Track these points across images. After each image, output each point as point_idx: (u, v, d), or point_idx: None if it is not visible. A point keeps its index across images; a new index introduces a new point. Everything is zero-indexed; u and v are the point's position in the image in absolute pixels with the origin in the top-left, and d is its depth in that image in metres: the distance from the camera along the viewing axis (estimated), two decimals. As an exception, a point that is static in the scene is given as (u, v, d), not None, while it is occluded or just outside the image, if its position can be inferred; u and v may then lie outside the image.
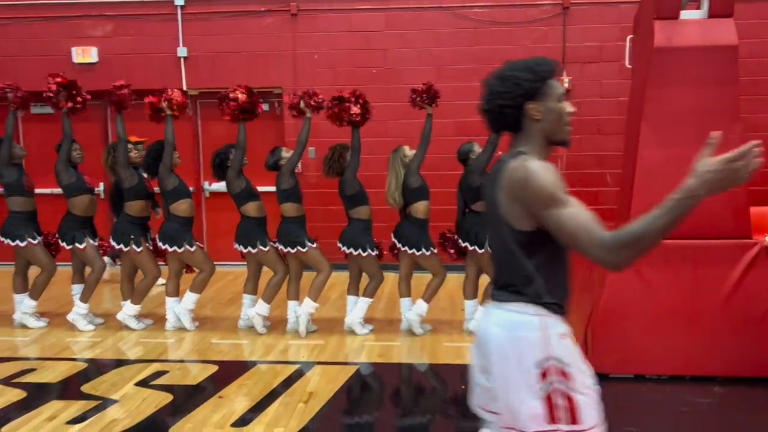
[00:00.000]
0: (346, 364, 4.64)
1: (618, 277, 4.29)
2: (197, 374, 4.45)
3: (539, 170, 1.75)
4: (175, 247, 5.26)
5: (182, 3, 7.61)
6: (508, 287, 1.88)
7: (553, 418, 1.79)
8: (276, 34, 7.66)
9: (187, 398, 4.03)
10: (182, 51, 7.67)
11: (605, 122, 7.36)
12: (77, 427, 3.59)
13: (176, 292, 5.47)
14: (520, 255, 1.83)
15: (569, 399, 1.79)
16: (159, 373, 4.44)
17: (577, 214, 1.71)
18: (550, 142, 1.89)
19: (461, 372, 4.51)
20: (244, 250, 5.28)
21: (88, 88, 7.80)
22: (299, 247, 5.09)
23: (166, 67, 7.70)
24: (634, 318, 4.26)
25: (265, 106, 8.04)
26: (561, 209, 1.72)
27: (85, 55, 7.72)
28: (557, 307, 1.86)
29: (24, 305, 5.55)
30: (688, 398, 3.93)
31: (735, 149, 1.54)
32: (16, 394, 4.08)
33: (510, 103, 1.84)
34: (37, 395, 4.08)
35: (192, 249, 5.29)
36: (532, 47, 7.51)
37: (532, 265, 1.83)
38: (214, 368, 4.55)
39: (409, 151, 5.25)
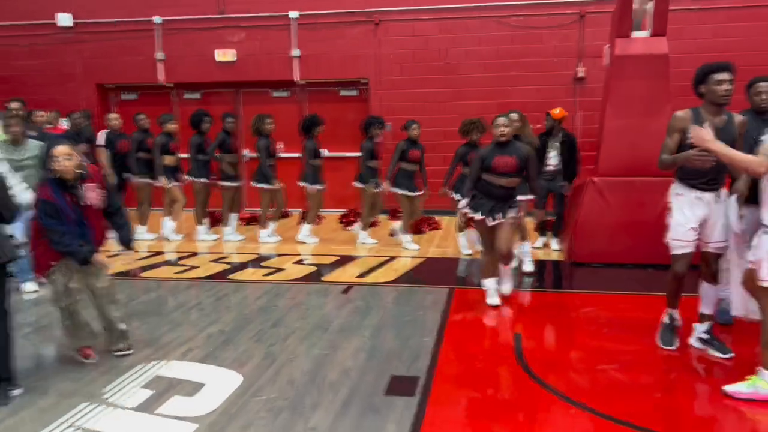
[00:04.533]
0: (419, 258, 7.33)
1: (590, 200, 6.80)
2: (327, 259, 7.23)
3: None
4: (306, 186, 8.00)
5: (296, 16, 10.33)
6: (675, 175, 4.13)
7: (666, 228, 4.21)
8: (363, 39, 10.29)
9: (329, 266, 6.82)
10: (295, 52, 10.41)
11: (611, 102, 9.67)
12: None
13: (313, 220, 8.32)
14: None
15: (669, 222, 4.15)
16: (300, 261, 7.26)
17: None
18: (712, 103, 3.90)
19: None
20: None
21: (227, 79, 10.75)
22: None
23: (284, 63, 10.47)
24: (601, 226, 6.74)
25: (354, 92, 10.75)
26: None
27: (225, 55, 10.55)
28: (686, 182, 4.04)
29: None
30: (632, 274, 6.38)
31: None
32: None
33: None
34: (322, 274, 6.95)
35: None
36: (557, 45, 9.90)
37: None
38: (337, 258, 7.32)
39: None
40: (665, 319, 4.37)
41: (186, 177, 8.31)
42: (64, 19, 10.79)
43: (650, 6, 6.57)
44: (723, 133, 3.71)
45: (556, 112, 7.65)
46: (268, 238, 8.30)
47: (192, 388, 3.78)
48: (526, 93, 9.98)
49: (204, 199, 8.39)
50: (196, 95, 11.13)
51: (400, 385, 3.77)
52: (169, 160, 8.31)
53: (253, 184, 8.13)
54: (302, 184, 8.06)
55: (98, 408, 3.53)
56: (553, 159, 7.34)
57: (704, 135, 3.64)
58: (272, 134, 8.17)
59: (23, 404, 3.59)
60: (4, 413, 3.50)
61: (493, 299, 5.32)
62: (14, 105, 5.89)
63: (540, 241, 7.68)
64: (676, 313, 4.33)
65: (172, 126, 8.27)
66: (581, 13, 9.75)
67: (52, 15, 10.84)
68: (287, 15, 10.38)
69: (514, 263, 5.86)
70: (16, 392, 3.69)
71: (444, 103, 10.21)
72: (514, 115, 5.88)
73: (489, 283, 5.40)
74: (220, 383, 3.84)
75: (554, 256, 7.34)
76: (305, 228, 8.23)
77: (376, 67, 10.33)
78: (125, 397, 3.66)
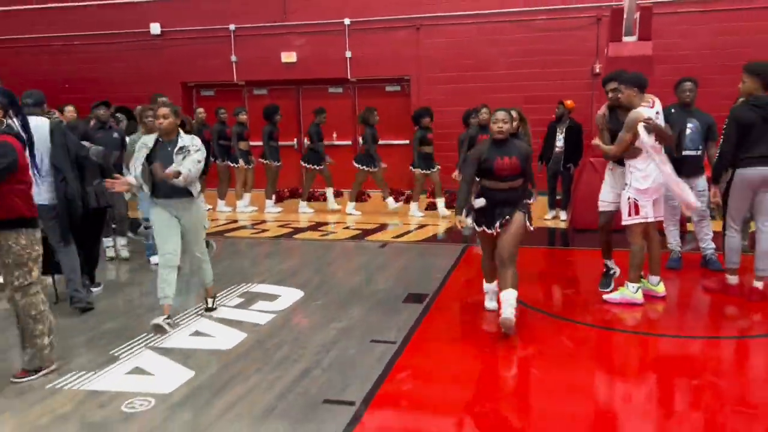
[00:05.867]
0: (445, 225, 8.89)
1: (588, 177, 8.18)
2: (372, 226, 8.87)
3: None
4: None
5: (348, 22, 11.98)
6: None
7: None
8: (406, 41, 11.85)
9: (385, 226, 8.45)
10: (348, 53, 12.07)
11: (624, 95, 10.90)
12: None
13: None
14: None
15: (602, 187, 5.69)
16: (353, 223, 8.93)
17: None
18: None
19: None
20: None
21: (290, 78, 12.46)
22: None
23: (338, 63, 12.13)
24: (596, 199, 8.10)
25: (398, 88, 12.33)
26: None
27: (288, 57, 12.31)
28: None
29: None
30: (619, 237, 7.74)
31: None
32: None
33: None
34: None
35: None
36: (576, 45, 11.21)
37: None
38: (378, 225, 8.95)
39: None
40: (604, 270, 5.64)
41: (259, 160, 10.08)
42: (155, 28, 12.78)
43: (637, 15, 7.88)
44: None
45: (568, 102, 9.08)
46: (392, 205, 9.83)
47: (270, 297, 5.50)
48: (550, 87, 11.32)
49: (274, 178, 10.15)
50: (264, 91, 12.96)
51: (413, 297, 5.38)
52: (243, 145, 10.11)
53: (356, 164, 9.63)
54: (412, 169, 9.38)
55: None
56: (559, 142, 8.77)
57: (595, 142, 5.26)
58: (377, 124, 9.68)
59: (179, 300, 5.24)
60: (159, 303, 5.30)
61: (490, 303, 5.00)
62: (162, 99, 7.29)
63: (550, 214, 9.12)
64: (611, 263, 5.59)
65: (243, 116, 10.07)
66: (598, 17, 11.01)
67: (144, 25, 12.84)
68: (341, 21, 12.03)
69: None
70: (95, 289, 5.71)
71: (476, 96, 11.58)
72: (514, 113, 5.26)
73: (489, 287, 5.04)
74: (289, 295, 5.54)
75: (561, 225, 8.77)
76: (413, 205, 9.70)
77: (417, 65, 11.87)
78: (227, 300, 5.42)
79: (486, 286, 5.10)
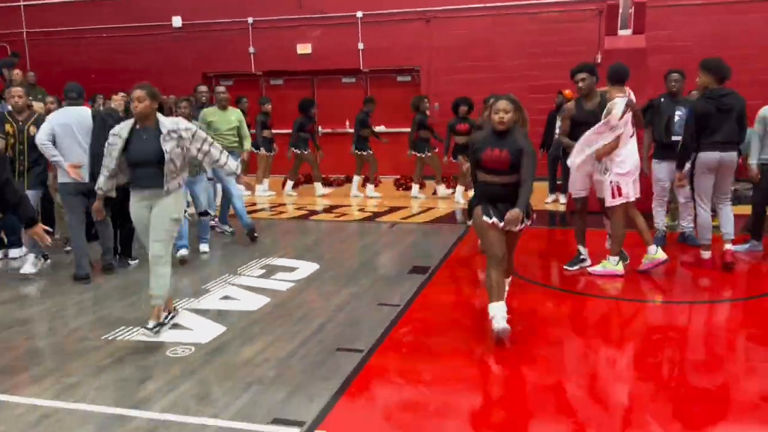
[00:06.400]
0: (452, 208, 9.48)
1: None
2: (383, 208, 9.46)
3: None
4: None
5: (361, 15, 12.53)
6: None
7: None
8: (416, 33, 12.38)
9: (395, 207, 9.05)
10: (360, 45, 12.63)
11: (625, 84, 11.37)
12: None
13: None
14: None
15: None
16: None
17: None
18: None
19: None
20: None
21: (305, 68, 13.06)
22: None
23: (351, 55, 12.70)
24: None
25: (408, 78, 12.87)
26: None
27: (304, 48, 12.89)
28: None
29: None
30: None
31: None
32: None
33: None
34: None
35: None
36: (579, 37, 11.68)
37: None
38: (389, 207, 9.55)
39: None
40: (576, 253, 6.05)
41: (292, 150, 10.53)
42: (177, 21, 13.41)
43: (632, 10, 8.38)
44: (592, 115, 5.57)
45: (567, 92, 9.58)
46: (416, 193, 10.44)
47: (289, 268, 6.14)
48: (553, 76, 11.77)
49: (298, 164, 10.77)
50: (280, 81, 13.57)
51: (417, 270, 5.99)
52: (266, 133, 10.72)
53: (412, 152, 10.22)
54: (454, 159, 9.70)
55: (237, 276, 5.94)
56: (558, 130, 9.29)
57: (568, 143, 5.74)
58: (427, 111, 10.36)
59: (209, 272, 6.02)
60: (196, 271, 5.96)
61: (500, 323, 4.14)
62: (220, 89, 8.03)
63: (550, 198, 9.68)
64: (583, 250, 6.00)
65: (268, 107, 10.68)
66: (600, 9, 11.47)
67: (167, 18, 13.48)
68: (354, 14, 12.59)
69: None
70: (132, 263, 6.38)
71: (484, 86, 12.10)
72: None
73: (497, 308, 4.21)
74: (305, 267, 6.17)
75: (561, 209, 9.32)
76: (459, 189, 10.08)
77: (428, 57, 12.42)
78: (251, 271, 6.07)
79: (493, 307, 4.21)
